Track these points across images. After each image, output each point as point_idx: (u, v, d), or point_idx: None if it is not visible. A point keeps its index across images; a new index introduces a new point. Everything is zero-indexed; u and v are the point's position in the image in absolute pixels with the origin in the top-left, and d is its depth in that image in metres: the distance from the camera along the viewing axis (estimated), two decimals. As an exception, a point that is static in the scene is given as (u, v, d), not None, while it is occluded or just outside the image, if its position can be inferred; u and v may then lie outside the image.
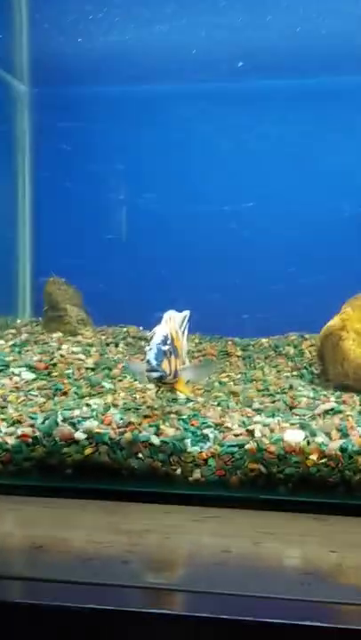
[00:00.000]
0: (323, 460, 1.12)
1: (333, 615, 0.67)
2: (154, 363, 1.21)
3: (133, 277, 1.92)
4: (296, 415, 1.31)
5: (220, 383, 1.59)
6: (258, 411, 1.35)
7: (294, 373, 1.69)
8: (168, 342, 1.25)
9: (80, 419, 1.24)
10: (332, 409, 1.34)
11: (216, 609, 0.71)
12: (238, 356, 1.82)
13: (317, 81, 1.83)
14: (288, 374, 1.67)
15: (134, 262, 1.93)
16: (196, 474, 1.15)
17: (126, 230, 1.94)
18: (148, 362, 1.22)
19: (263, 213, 1.87)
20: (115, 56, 1.81)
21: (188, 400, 1.43)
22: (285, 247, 1.90)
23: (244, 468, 1.14)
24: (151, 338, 1.26)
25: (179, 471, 1.16)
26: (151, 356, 1.22)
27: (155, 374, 1.22)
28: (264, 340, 1.94)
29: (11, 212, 2.00)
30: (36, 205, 2.02)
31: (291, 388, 1.52)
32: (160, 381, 1.25)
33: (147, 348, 1.25)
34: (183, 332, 1.44)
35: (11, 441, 1.21)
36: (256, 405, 1.39)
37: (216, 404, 1.41)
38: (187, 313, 1.44)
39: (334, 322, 1.54)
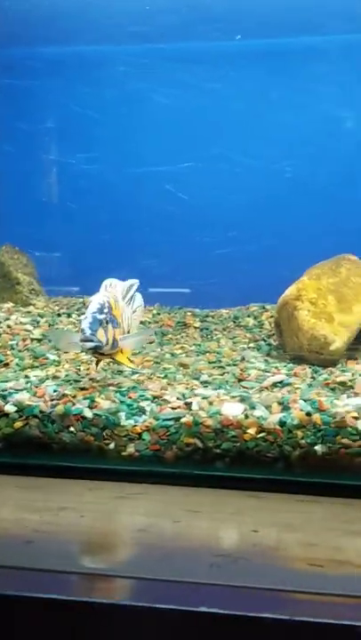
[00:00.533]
0: (261, 435, 1.06)
1: (232, 600, 0.61)
2: (88, 332, 1.15)
3: (77, 243, 1.84)
4: (244, 388, 1.26)
5: (173, 355, 1.53)
6: (205, 383, 1.29)
7: (251, 345, 1.63)
8: (105, 311, 1.18)
9: (12, 391, 1.18)
10: (281, 381, 1.28)
11: (109, 593, 0.65)
12: (196, 328, 1.76)
13: (260, 41, 1.74)
14: (245, 346, 1.61)
15: (79, 226, 1.85)
16: (130, 448, 1.10)
17: (65, 193, 1.85)
18: (82, 331, 1.16)
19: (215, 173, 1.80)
20: (56, 15, 1.71)
21: (135, 372, 1.38)
22: (235, 211, 1.83)
23: (180, 442, 1.08)
24: (87, 306, 1.20)
25: (112, 445, 1.10)
26: (85, 324, 1.16)
27: (90, 344, 1.15)
28: (224, 311, 1.88)
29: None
30: None
31: (243, 360, 1.46)
32: (96, 352, 1.19)
33: (82, 316, 1.19)
34: (130, 302, 1.37)
35: None
36: (204, 377, 1.33)
37: (163, 376, 1.35)
38: (134, 282, 1.38)
39: (290, 291, 1.48)
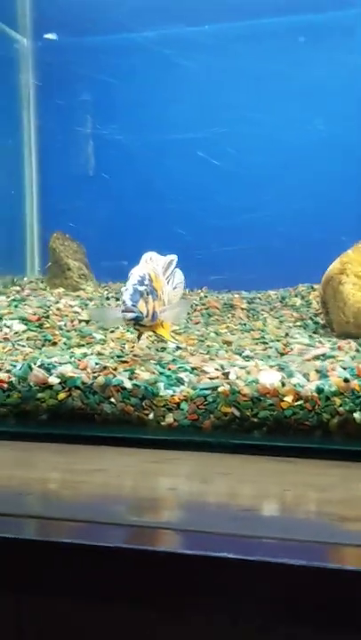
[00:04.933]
0: (298, 403, 1.05)
1: (254, 548, 0.62)
2: (129, 303, 1.17)
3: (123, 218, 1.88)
4: (287, 362, 1.25)
5: (217, 333, 1.53)
6: (247, 358, 1.29)
7: (298, 324, 1.62)
8: (145, 283, 1.20)
9: (56, 364, 1.21)
10: (323, 354, 1.26)
11: (132, 540, 0.67)
12: (243, 309, 1.76)
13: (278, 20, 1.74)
14: (291, 324, 1.60)
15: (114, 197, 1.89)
16: (169, 418, 1.11)
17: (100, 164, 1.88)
18: (123, 302, 1.18)
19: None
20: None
21: (178, 347, 1.39)
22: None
23: (218, 411, 1.08)
24: (128, 279, 1.22)
25: (151, 415, 1.12)
26: (126, 296, 1.18)
27: (130, 315, 1.17)
28: (272, 292, 1.87)
29: (17, 168, 1.97)
30: (42, 159, 1.98)
31: (287, 335, 1.45)
32: (137, 323, 1.20)
33: (123, 288, 1.21)
34: (169, 277, 1.39)
35: (-12, 387, 1.19)
36: (246, 353, 1.33)
37: (205, 352, 1.36)
38: (173, 257, 1.39)
39: (334, 266, 1.46)
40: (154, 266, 1.29)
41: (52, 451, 1.04)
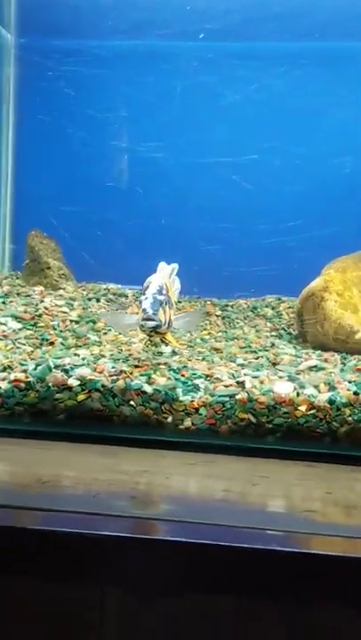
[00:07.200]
0: (311, 412, 1.16)
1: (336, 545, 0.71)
2: (150, 312, 1.23)
3: (127, 226, 1.93)
4: (281, 371, 1.35)
5: (202, 340, 1.62)
6: (242, 366, 1.38)
7: (273, 334, 1.73)
8: (163, 292, 1.26)
9: (72, 366, 1.25)
10: (315, 366, 1.38)
11: (230, 539, 0.74)
12: (218, 316, 1.85)
13: (322, 44, 1.86)
14: (267, 334, 1.72)
15: (128, 211, 1.94)
16: (187, 422, 1.18)
17: (125, 178, 1.94)
18: (144, 311, 1.23)
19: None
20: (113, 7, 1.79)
21: (174, 353, 1.46)
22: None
23: (235, 417, 1.17)
24: (147, 287, 1.27)
25: (170, 419, 1.18)
26: (147, 305, 1.23)
27: (151, 323, 1.23)
28: (242, 302, 1.97)
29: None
30: (19, 156, 1.98)
31: (273, 345, 1.56)
32: (153, 331, 1.26)
33: (142, 297, 1.26)
34: (171, 284, 1.45)
35: (3, 386, 1.21)
36: (240, 361, 1.42)
37: (201, 358, 1.44)
38: (175, 266, 1.46)
39: (317, 283, 1.58)
40: (164, 274, 1.35)
41: (92, 452, 1.08)
